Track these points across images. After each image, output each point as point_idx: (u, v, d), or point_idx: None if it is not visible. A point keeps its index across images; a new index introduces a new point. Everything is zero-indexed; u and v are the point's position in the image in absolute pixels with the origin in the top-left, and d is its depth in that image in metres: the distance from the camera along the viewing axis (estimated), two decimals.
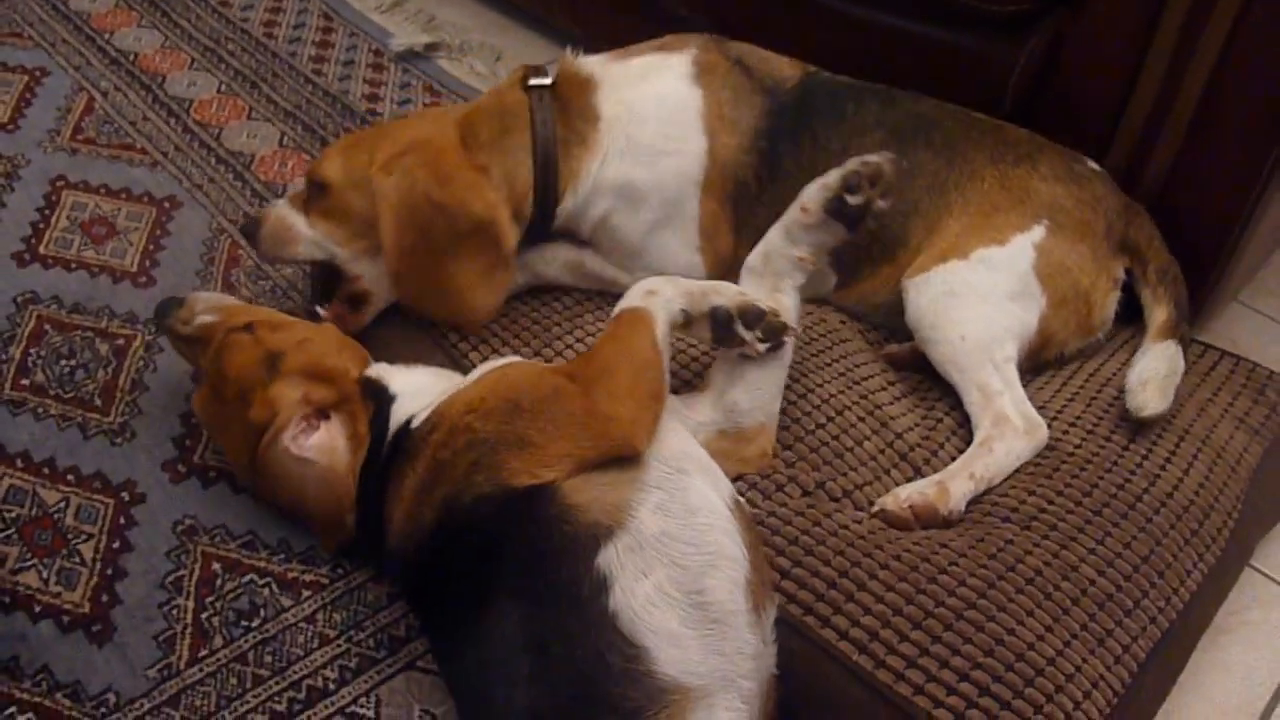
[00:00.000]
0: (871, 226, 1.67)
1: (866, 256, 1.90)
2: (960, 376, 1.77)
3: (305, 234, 1.87)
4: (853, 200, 1.59)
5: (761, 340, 1.58)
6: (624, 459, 1.40)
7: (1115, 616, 1.48)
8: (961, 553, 1.53)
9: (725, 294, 1.60)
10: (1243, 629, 1.75)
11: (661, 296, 1.57)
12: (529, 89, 1.89)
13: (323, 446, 1.58)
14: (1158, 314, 1.86)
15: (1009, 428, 1.71)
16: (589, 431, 1.40)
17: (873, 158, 1.60)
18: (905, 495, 1.63)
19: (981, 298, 1.78)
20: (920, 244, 1.87)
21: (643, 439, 1.41)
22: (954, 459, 1.73)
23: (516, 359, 1.65)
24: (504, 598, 1.33)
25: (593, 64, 1.94)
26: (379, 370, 1.67)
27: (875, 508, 1.64)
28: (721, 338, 1.60)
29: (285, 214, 1.88)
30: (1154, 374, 1.77)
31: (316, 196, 1.85)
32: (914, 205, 1.87)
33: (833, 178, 1.60)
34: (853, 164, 1.59)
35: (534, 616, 1.30)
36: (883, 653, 1.41)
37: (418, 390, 1.60)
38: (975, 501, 1.66)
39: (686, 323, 1.59)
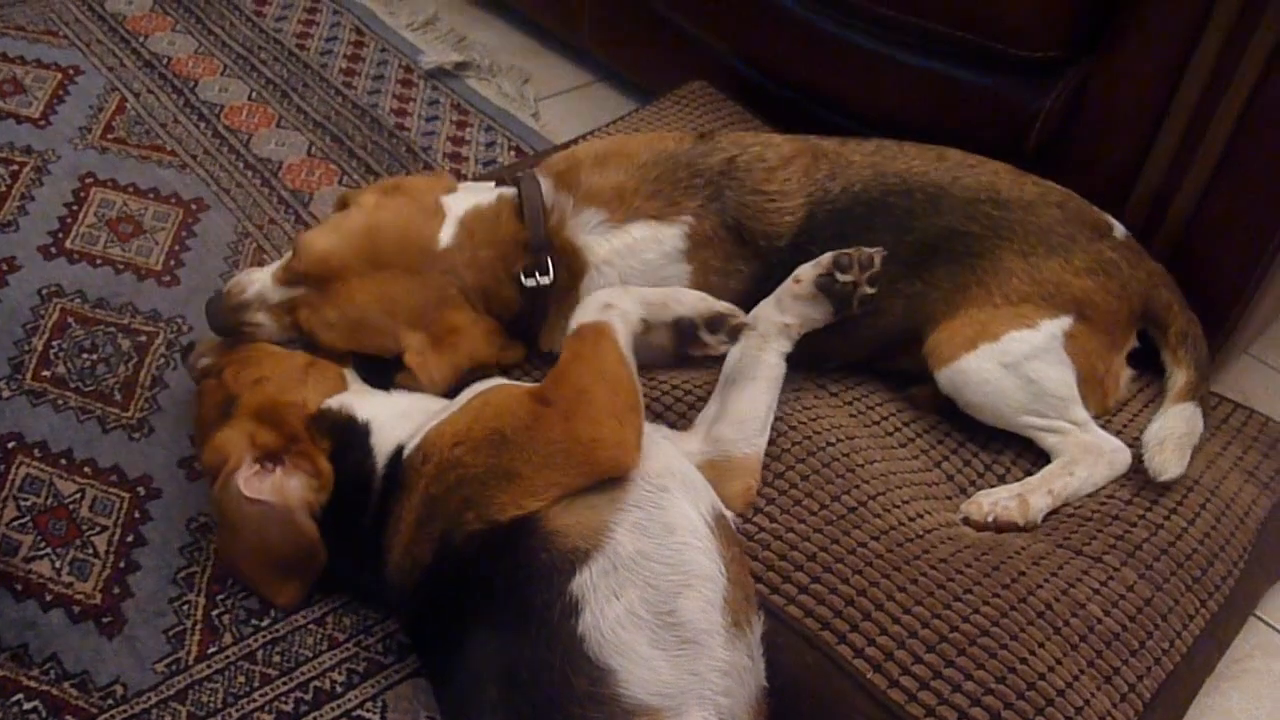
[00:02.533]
0: (857, 313, 1.69)
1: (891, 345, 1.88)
2: (1040, 421, 1.80)
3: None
4: (842, 278, 1.64)
5: (725, 342, 1.67)
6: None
7: (1122, 655, 1.49)
8: (976, 581, 1.54)
9: (686, 302, 1.65)
10: (1245, 677, 1.76)
11: (619, 308, 1.58)
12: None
13: (277, 487, 1.55)
14: (1178, 377, 1.85)
15: (1093, 454, 1.77)
16: (575, 459, 1.39)
17: (866, 249, 1.66)
18: (988, 506, 1.69)
19: (1026, 358, 1.77)
20: (938, 339, 1.82)
21: (632, 455, 1.41)
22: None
23: (501, 381, 1.63)
24: (484, 629, 1.35)
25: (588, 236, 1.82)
26: (343, 400, 1.64)
27: (959, 515, 1.71)
28: (684, 343, 1.66)
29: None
30: (1170, 433, 1.77)
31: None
32: (929, 314, 1.83)
33: (826, 257, 1.67)
34: (846, 250, 1.66)
35: (507, 645, 1.32)
36: (897, 673, 1.42)
37: (399, 415, 1.60)
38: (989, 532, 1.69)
39: (646, 330, 1.62)
